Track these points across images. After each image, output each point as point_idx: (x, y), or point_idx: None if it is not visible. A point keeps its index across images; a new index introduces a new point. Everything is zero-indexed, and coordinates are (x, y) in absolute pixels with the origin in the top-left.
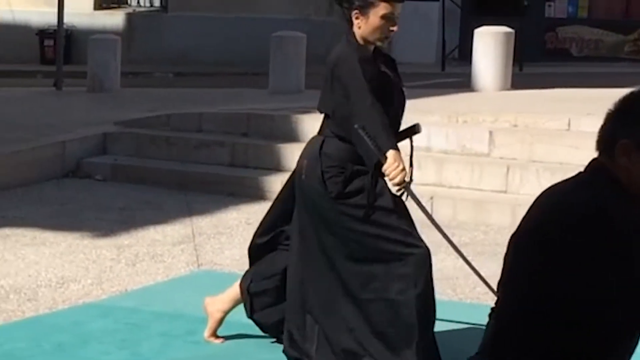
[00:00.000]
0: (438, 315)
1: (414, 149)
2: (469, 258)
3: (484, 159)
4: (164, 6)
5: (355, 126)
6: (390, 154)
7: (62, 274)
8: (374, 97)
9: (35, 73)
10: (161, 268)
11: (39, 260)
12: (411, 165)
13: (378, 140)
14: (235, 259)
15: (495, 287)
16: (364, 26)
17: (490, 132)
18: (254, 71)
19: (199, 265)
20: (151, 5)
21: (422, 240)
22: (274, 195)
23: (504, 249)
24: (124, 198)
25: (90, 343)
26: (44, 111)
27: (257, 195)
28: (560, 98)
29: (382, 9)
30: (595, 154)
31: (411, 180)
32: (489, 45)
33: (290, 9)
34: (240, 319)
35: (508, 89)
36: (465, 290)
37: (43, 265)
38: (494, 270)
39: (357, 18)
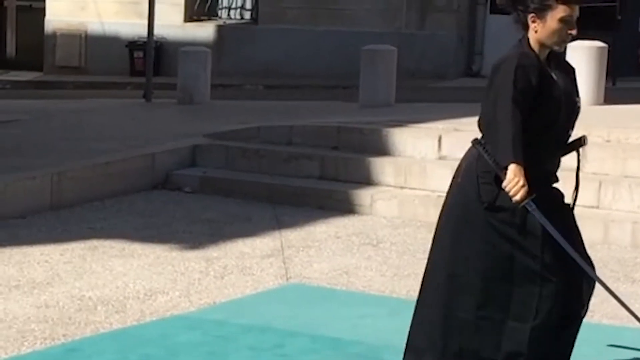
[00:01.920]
0: None
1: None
2: None
3: None
4: (254, 18)
5: (472, 141)
6: (511, 168)
7: (150, 285)
8: (524, 106)
9: (125, 85)
10: (250, 281)
11: (127, 272)
12: (577, 181)
13: (499, 151)
14: (324, 272)
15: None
16: (540, 30)
17: (583, 147)
18: (343, 84)
19: (287, 279)
20: (241, 18)
21: (564, 269)
22: (364, 209)
23: (596, 265)
24: (212, 210)
25: (178, 356)
26: (134, 123)
27: (346, 209)
28: None
29: (560, 11)
30: None
31: (531, 195)
32: (582, 59)
33: (380, 22)
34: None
35: (601, 104)
36: None
37: (131, 277)
38: None
39: (533, 22)
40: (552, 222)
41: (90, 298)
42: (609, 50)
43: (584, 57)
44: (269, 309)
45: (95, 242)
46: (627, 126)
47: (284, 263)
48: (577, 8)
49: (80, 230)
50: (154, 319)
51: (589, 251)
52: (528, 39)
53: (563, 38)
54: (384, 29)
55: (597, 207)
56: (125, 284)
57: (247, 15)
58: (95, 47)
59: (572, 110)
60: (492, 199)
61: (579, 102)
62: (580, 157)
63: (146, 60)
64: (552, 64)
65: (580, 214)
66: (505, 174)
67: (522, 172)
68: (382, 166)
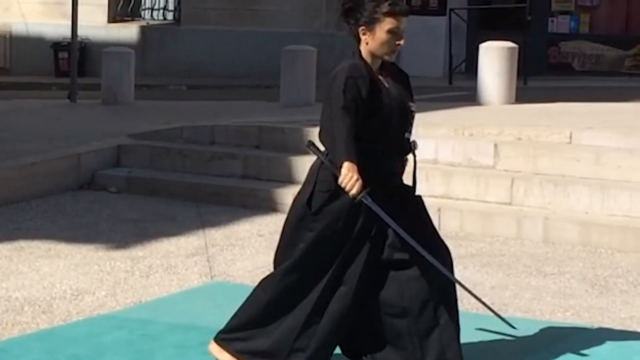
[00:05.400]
0: None
1: (417, 164)
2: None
3: (490, 172)
4: (176, 19)
5: (306, 144)
6: (344, 165)
7: (77, 285)
8: (355, 112)
9: (50, 85)
10: (175, 279)
11: (54, 272)
12: (414, 181)
13: (335, 153)
14: (247, 270)
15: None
16: (371, 41)
17: (495, 145)
18: (265, 84)
19: (212, 277)
20: (164, 19)
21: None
22: (286, 207)
23: (509, 260)
24: (137, 210)
25: (105, 355)
26: (59, 123)
27: (268, 207)
28: (562, 112)
29: (387, 23)
30: (593, 165)
31: (366, 189)
32: (494, 59)
33: (300, 23)
34: None
35: (512, 103)
36: None
37: (57, 277)
38: (499, 280)
39: (364, 34)
40: (392, 216)
41: (17, 299)
42: (519, 50)
43: (495, 57)
44: (194, 307)
45: (21, 243)
46: (537, 124)
47: (208, 261)
48: (404, 20)
49: (6, 231)
50: (81, 318)
51: (502, 247)
52: (360, 51)
53: (392, 48)
54: (304, 30)
55: (510, 204)
56: (52, 284)
57: (170, 16)
58: (19, 47)
59: (406, 114)
60: (318, 206)
61: (413, 107)
62: (417, 159)
63: (70, 61)
64: (384, 72)
65: (493, 210)
66: (340, 171)
67: (355, 168)
68: (303, 164)
